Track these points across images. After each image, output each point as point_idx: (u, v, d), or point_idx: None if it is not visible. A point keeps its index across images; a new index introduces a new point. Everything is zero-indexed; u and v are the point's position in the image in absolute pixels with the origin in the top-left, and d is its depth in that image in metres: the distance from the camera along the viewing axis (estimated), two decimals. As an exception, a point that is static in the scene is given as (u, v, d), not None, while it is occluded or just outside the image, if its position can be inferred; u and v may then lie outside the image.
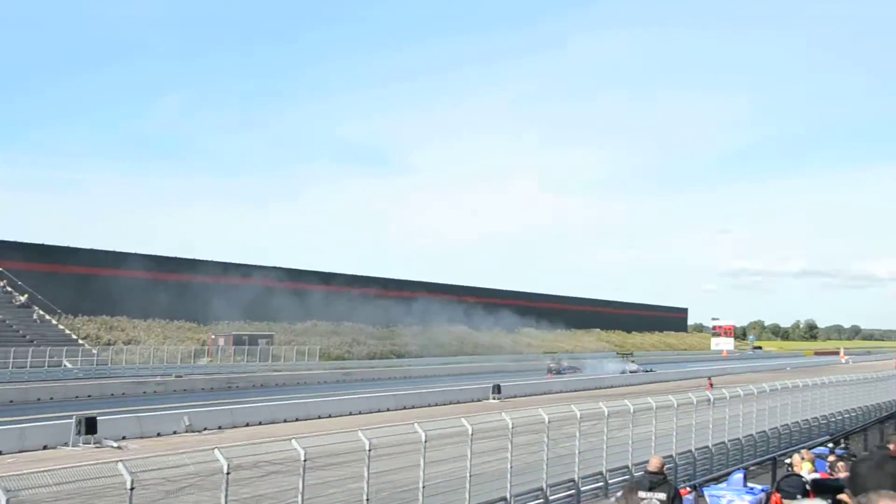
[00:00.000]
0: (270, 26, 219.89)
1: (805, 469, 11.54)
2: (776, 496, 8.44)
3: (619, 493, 13.90)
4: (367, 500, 13.98)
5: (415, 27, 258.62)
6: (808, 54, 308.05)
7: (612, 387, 61.86)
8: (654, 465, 10.90)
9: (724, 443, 26.22)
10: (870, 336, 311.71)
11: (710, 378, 59.43)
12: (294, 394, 49.35)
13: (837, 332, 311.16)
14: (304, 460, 13.18)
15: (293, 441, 13.67)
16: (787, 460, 13.35)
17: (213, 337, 77.21)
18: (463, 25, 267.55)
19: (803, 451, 10.80)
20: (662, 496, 10.45)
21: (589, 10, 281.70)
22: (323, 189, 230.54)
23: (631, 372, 80.00)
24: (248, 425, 35.85)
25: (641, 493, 10.66)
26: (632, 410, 22.20)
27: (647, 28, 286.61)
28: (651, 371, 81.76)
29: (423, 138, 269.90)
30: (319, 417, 39.30)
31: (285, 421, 37.85)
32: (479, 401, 49.32)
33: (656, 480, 10.63)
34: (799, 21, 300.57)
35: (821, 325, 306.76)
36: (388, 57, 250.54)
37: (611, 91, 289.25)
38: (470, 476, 16.21)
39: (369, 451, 14.26)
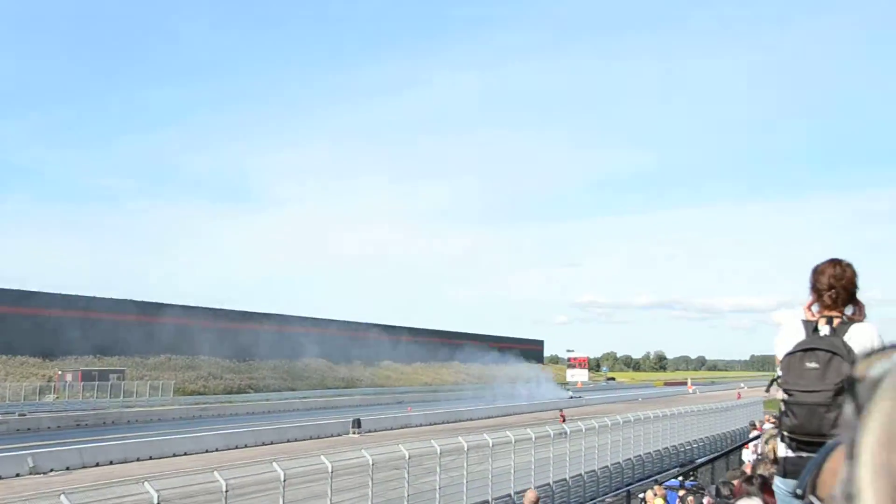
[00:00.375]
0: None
1: (658, 505, 11.85)
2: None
3: None
4: (224, 543, 13.61)
5: (268, 60, 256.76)
6: (662, 91, 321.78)
7: (470, 419, 62.26)
8: (529, 499, 11.03)
9: (580, 475, 26.74)
10: (714, 367, 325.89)
11: (561, 410, 60.21)
12: (148, 431, 47.60)
13: (685, 362, 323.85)
14: (158, 503, 12.73)
15: (145, 483, 13.20)
16: (641, 495, 13.71)
17: (59, 373, 73.67)
18: (327, 60, 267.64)
19: (655, 487, 11.10)
20: None
21: (445, 53, 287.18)
22: (173, 219, 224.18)
23: (570, 398, 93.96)
24: (98, 465, 34.34)
25: None
26: (491, 444, 22.42)
27: (494, 69, 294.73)
28: (580, 398, 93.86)
29: (278, 172, 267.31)
30: (175, 455, 38.00)
31: (138, 460, 36.43)
32: (339, 435, 48.81)
33: None
34: (651, 59, 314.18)
35: (669, 356, 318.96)
36: (242, 89, 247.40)
37: (463, 127, 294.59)
38: (330, 515, 16.01)
39: (226, 492, 13.90)
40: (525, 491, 23.39)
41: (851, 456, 0.63)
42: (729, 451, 20.31)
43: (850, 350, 3.99)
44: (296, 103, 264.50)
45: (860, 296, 4.27)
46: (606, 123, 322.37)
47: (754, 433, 24.35)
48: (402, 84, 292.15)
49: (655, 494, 10.75)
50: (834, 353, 3.99)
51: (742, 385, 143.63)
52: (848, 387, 0.71)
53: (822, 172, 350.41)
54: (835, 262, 4.23)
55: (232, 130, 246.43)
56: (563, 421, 44.80)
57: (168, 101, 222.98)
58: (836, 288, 4.17)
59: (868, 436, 0.62)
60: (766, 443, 6.51)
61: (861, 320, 4.19)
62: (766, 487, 5.31)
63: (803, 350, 4.08)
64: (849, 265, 4.23)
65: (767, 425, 27.61)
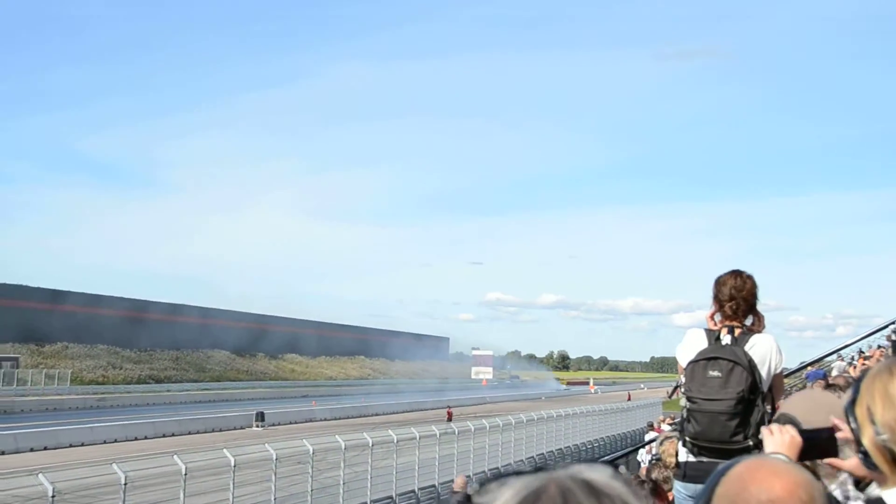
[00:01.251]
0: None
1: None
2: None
3: None
4: (122, 537, 13.31)
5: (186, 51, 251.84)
6: (566, 89, 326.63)
7: (376, 415, 62.16)
8: (458, 484, 11.44)
9: (484, 472, 26.96)
10: (616, 367, 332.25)
11: (449, 408, 59.13)
12: (42, 420, 46.17)
13: (587, 362, 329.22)
14: (53, 496, 12.37)
15: (40, 475, 12.81)
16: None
17: (-52, 358, 71.07)
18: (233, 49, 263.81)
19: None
20: None
21: (355, 43, 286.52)
22: (70, 204, 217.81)
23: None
24: (-12, 456, 33.18)
25: None
26: (395, 440, 22.43)
27: (403, 61, 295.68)
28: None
29: (183, 159, 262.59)
30: (71, 446, 36.93)
31: (32, 450, 35.32)
32: (242, 428, 48.14)
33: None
34: (562, 55, 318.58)
35: (572, 355, 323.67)
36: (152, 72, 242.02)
37: (371, 120, 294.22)
38: (232, 509, 15.81)
39: (125, 485, 13.60)
40: (430, 486, 23.54)
41: None
42: (628, 451, 20.78)
43: (750, 360, 4.13)
44: (202, 90, 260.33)
45: (759, 307, 4.41)
46: (512, 121, 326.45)
47: (651, 434, 24.92)
48: (306, 74, 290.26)
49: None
50: (736, 363, 4.12)
51: (642, 386, 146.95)
52: None
53: (723, 179, 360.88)
54: (736, 274, 4.35)
55: (134, 115, 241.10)
56: (450, 419, 45.23)
57: (68, 83, 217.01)
58: (737, 299, 4.30)
59: None
60: (662, 444, 6.65)
61: (760, 331, 4.34)
62: (657, 492, 5.42)
63: (706, 359, 4.20)
64: (749, 277, 4.36)
65: (665, 426, 28.28)
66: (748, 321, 4.33)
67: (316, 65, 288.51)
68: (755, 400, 4.10)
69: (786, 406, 2.51)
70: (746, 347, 4.19)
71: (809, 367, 14.52)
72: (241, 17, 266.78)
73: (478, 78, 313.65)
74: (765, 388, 4.17)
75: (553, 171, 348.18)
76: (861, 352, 14.65)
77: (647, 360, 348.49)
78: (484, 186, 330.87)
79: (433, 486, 23.64)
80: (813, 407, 2.36)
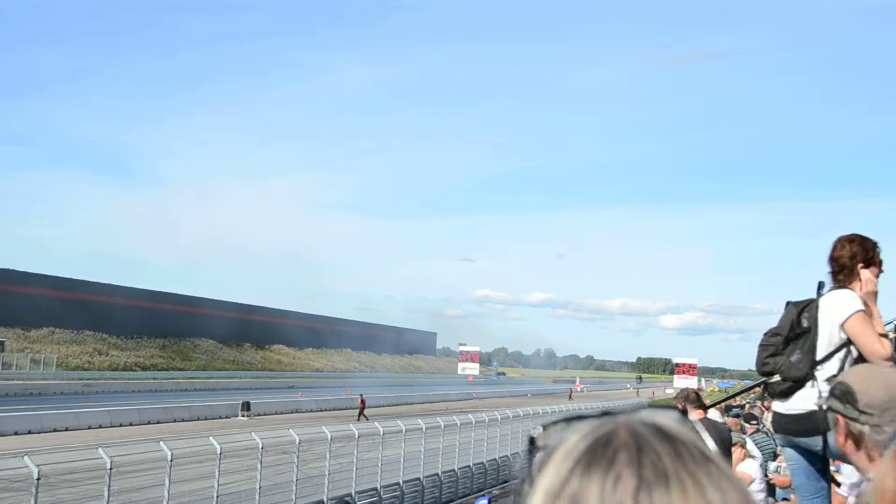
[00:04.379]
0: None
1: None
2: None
3: None
4: (106, 521, 13.28)
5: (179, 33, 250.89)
6: (553, 94, 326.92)
7: (369, 406, 61.96)
8: None
9: (469, 467, 27.02)
10: (602, 366, 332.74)
11: (362, 397, 57.59)
12: (27, 405, 45.99)
13: (574, 360, 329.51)
14: (38, 479, 12.34)
15: (25, 458, 12.78)
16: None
17: (-68, 341, 70.73)
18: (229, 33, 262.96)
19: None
20: None
21: (342, 41, 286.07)
22: (59, 194, 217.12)
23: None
24: (-29, 438, 33.03)
25: None
26: (381, 433, 22.45)
27: (387, 60, 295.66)
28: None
29: (163, 148, 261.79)
30: (56, 431, 36.81)
31: (16, 434, 35.21)
32: (227, 417, 48.07)
33: None
34: (545, 62, 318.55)
35: (559, 353, 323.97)
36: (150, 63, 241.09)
37: (359, 117, 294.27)
38: (217, 496, 15.80)
39: (111, 469, 13.57)
40: (415, 479, 23.54)
41: None
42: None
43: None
44: (193, 77, 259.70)
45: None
46: (504, 117, 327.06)
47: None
48: (300, 65, 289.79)
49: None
50: None
51: (628, 386, 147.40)
52: (528, 451, 0.80)
53: (714, 180, 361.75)
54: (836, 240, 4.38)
55: (117, 101, 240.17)
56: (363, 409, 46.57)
57: (44, 64, 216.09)
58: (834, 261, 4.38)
59: (534, 500, 0.74)
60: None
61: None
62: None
63: None
64: (842, 240, 4.35)
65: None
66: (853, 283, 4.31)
67: (308, 55, 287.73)
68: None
69: (845, 375, 2.52)
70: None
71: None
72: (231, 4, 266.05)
73: (469, 72, 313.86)
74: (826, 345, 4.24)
75: (545, 170, 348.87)
76: None
77: (634, 360, 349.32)
78: (476, 184, 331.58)
79: (418, 478, 23.65)
80: (870, 380, 2.36)
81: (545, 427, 0.82)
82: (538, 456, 0.80)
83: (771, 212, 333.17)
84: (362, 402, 54.97)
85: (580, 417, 0.81)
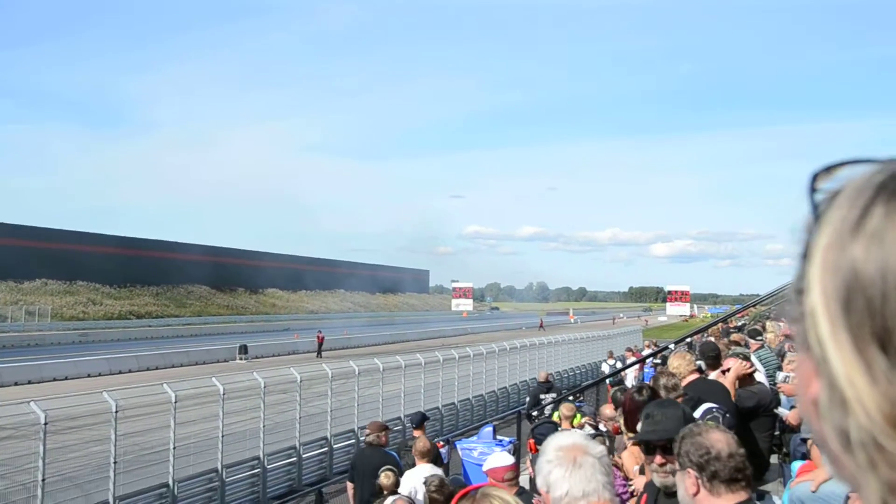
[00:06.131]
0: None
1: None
2: (531, 441, 8.89)
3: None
4: (115, 462, 13.38)
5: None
6: (534, 28, 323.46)
7: (358, 346, 62.43)
8: (542, 377, 20.62)
9: (469, 399, 27.26)
10: (594, 297, 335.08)
11: (320, 333, 59.31)
12: (25, 356, 46.12)
13: (566, 293, 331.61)
14: (45, 423, 12.41)
15: (31, 403, 12.84)
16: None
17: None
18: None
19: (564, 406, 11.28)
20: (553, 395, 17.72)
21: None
22: (42, 141, 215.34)
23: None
24: (-28, 389, 33.15)
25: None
26: (381, 369, 22.58)
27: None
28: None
29: (154, 95, 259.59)
30: (55, 380, 36.95)
31: (16, 384, 35.38)
32: (225, 361, 48.32)
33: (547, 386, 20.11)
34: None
35: (551, 286, 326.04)
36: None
37: (345, 58, 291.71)
38: (222, 436, 15.92)
39: (116, 412, 13.65)
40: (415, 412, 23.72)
41: (805, 256, 0.69)
42: (613, 373, 21.06)
43: None
44: (179, 22, 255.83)
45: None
46: (484, 59, 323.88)
47: (632, 359, 25.27)
48: (285, 5, 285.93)
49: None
50: None
51: (621, 315, 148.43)
52: (808, 191, 0.71)
53: (702, 108, 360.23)
54: None
55: (104, 49, 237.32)
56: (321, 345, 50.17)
57: (37, 16, 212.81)
58: None
59: (820, 239, 0.67)
60: (668, 359, 6.76)
61: None
62: (655, 398, 5.47)
63: None
64: None
65: (647, 350, 28.64)
66: None
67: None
68: None
69: None
70: None
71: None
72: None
73: (453, 6, 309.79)
74: None
75: (532, 104, 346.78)
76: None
77: (626, 290, 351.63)
78: (462, 120, 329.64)
79: (419, 412, 23.87)
80: None
81: (826, 168, 0.73)
82: (820, 197, 0.71)
83: (758, 137, 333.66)
84: (320, 338, 56.46)
85: (864, 161, 0.71)
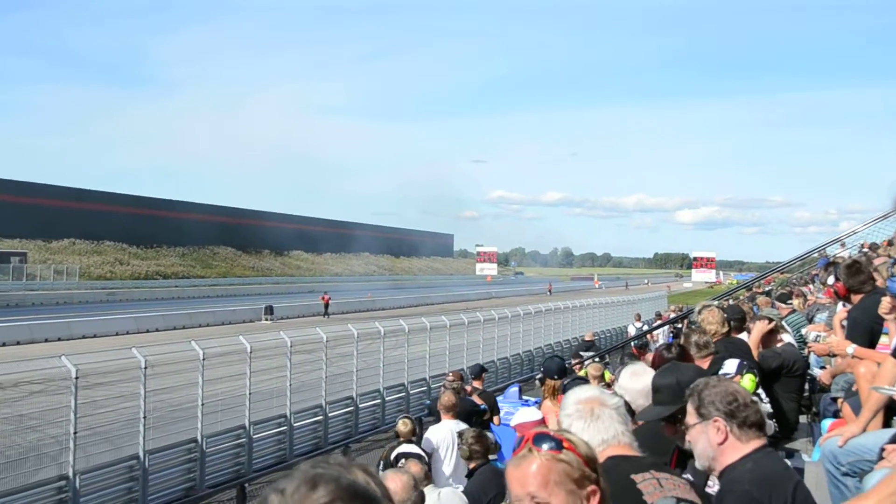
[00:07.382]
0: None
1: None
2: (560, 397, 8.90)
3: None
4: (144, 418, 13.55)
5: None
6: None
7: (383, 309, 62.72)
8: (588, 336, 23.42)
9: (493, 361, 27.32)
10: (619, 263, 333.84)
11: (325, 294, 60.33)
12: (55, 314, 46.66)
13: (591, 259, 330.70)
14: (76, 378, 12.56)
15: (62, 357, 12.99)
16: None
17: (-44, 252, 71.48)
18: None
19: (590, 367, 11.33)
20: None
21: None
22: (66, 101, 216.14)
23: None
24: (4, 345, 33.63)
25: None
26: (406, 330, 22.65)
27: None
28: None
29: (177, 54, 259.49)
30: (84, 337, 37.43)
31: (46, 341, 35.85)
32: (251, 322, 48.72)
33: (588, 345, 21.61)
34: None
35: (576, 252, 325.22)
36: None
37: (376, 15, 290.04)
38: (249, 394, 16.05)
39: (145, 368, 13.79)
40: (441, 375, 23.83)
41: None
42: (635, 336, 21.08)
43: None
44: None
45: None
46: (506, 23, 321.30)
47: (658, 322, 25.23)
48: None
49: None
50: None
51: (646, 281, 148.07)
52: None
53: (730, 73, 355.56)
54: None
55: (129, 9, 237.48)
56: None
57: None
58: None
59: None
60: (700, 313, 6.72)
61: None
62: (684, 357, 5.45)
63: None
64: None
65: (672, 315, 28.54)
66: None
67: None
68: None
69: None
70: None
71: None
72: None
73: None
74: None
75: (555, 68, 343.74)
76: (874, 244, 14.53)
77: (651, 256, 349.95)
78: (485, 84, 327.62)
79: (444, 374, 23.92)
80: None
81: None
82: None
83: (787, 103, 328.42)
84: (325, 300, 57.38)
85: None
